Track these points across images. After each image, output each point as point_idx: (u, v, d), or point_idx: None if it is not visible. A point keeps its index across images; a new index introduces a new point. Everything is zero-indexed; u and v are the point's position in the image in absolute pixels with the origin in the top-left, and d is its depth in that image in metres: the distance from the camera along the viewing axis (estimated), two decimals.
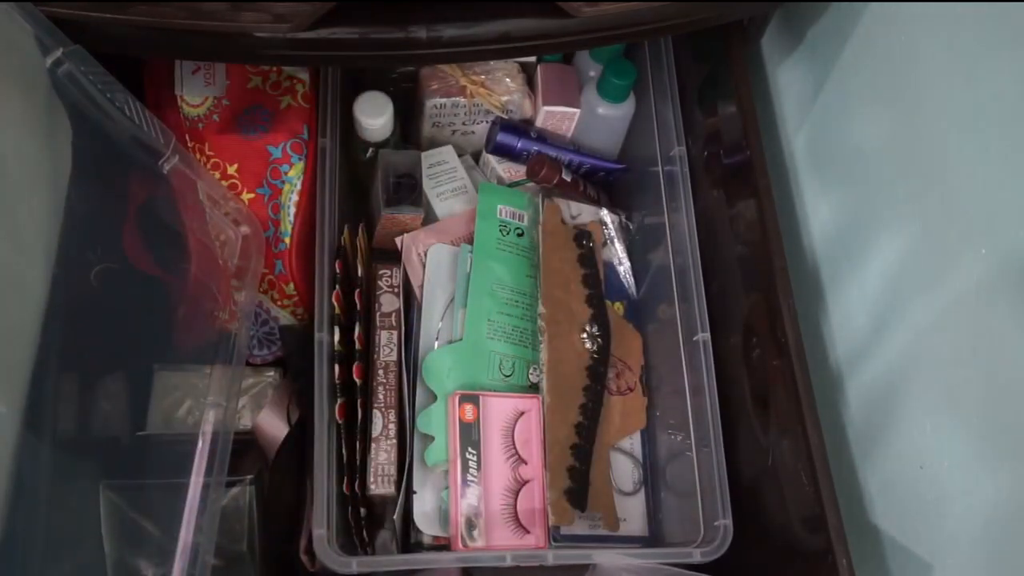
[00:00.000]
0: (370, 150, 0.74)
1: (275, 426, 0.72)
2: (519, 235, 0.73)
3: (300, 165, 0.70)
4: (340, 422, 0.63)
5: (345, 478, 0.63)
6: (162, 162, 0.59)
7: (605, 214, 0.78)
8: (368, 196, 0.76)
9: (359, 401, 0.65)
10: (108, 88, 0.52)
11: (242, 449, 0.72)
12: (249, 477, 0.66)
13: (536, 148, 0.77)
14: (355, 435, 0.65)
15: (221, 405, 0.63)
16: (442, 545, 0.65)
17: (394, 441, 0.66)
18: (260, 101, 0.71)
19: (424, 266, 0.71)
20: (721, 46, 0.70)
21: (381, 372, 0.68)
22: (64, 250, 0.53)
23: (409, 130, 0.80)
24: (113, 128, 0.55)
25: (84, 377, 0.60)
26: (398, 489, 0.65)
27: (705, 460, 0.65)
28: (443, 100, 0.75)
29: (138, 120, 0.55)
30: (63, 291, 0.53)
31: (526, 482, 0.66)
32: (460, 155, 0.78)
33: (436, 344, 0.69)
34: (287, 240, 0.70)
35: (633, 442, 0.74)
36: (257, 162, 0.69)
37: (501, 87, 0.76)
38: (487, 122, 0.78)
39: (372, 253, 0.74)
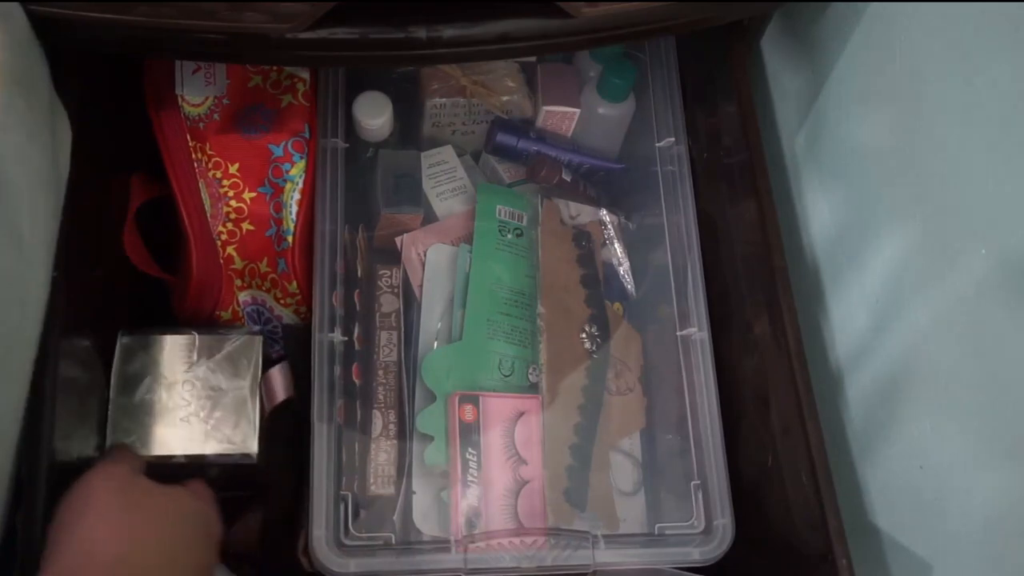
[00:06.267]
0: (370, 150, 0.74)
1: (282, 385, 0.70)
2: (518, 235, 0.73)
3: (302, 163, 0.70)
4: (340, 422, 0.63)
5: (344, 478, 0.63)
6: None
7: (605, 214, 0.78)
8: (368, 196, 0.76)
9: (358, 401, 0.65)
10: None
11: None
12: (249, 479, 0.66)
13: (536, 148, 0.77)
14: (355, 435, 0.65)
15: None
16: (442, 546, 0.65)
17: (394, 441, 0.66)
18: (261, 100, 0.71)
19: (424, 266, 0.71)
20: (721, 46, 0.70)
21: (381, 372, 0.68)
22: (64, 251, 0.53)
23: (409, 130, 0.80)
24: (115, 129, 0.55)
25: (84, 378, 0.60)
26: (397, 490, 0.65)
27: (705, 460, 0.65)
28: (443, 100, 0.75)
29: None
30: (63, 292, 0.53)
31: (526, 482, 0.66)
32: (460, 155, 0.78)
33: (436, 344, 0.69)
34: (290, 239, 0.70)
35: (633, 442, 0.74)
36: (259, 161, 0.69)
37: (501, 87, 0.76)
38: (487, 122, 0.78)
39: (372, 253, 0.74)
